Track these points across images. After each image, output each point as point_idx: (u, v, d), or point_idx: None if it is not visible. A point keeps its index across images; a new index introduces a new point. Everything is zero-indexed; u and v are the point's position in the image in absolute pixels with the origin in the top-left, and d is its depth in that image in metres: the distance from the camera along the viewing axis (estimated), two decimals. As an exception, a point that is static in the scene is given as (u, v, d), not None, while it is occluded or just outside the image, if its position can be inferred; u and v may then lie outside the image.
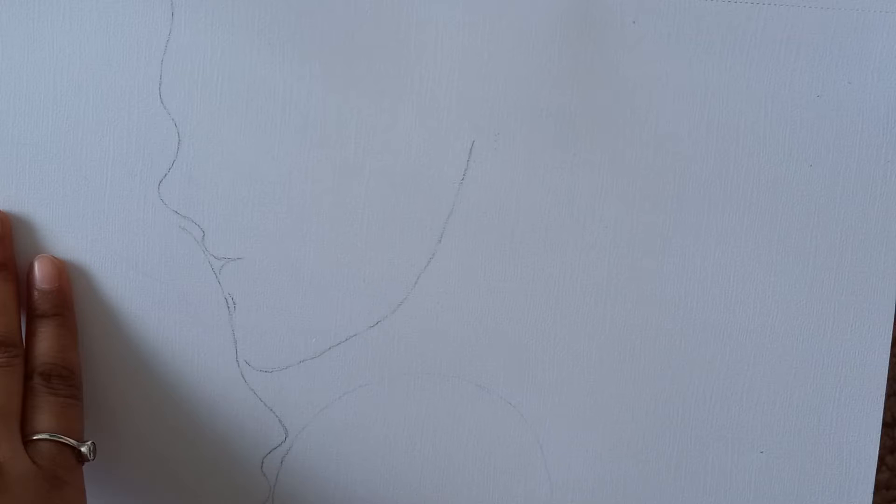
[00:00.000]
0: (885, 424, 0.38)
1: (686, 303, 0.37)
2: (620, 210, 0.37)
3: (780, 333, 0.37)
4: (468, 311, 0.37)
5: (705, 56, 0.36)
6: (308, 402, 0.38)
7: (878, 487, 0.38)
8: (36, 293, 0.36)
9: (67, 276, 0.37)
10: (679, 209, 0.37)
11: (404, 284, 0.37)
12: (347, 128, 0.37)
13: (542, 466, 0.38)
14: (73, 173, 0.37)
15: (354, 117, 0.37)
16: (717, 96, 0.36)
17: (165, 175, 0.37)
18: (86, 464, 0.35)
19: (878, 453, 0.37)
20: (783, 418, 0.38)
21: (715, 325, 0.37)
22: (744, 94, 0.36)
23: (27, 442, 0.34)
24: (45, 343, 0.35)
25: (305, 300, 0.37)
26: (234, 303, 0.37)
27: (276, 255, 0.37)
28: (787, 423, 0.38)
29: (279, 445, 0.38)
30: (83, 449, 0.35)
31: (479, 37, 0.36)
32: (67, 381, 0.35)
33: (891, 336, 0.37)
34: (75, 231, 0.37)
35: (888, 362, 0.37)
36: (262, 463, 0.38)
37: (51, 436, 0.34)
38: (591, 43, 0.36)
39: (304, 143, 0.37)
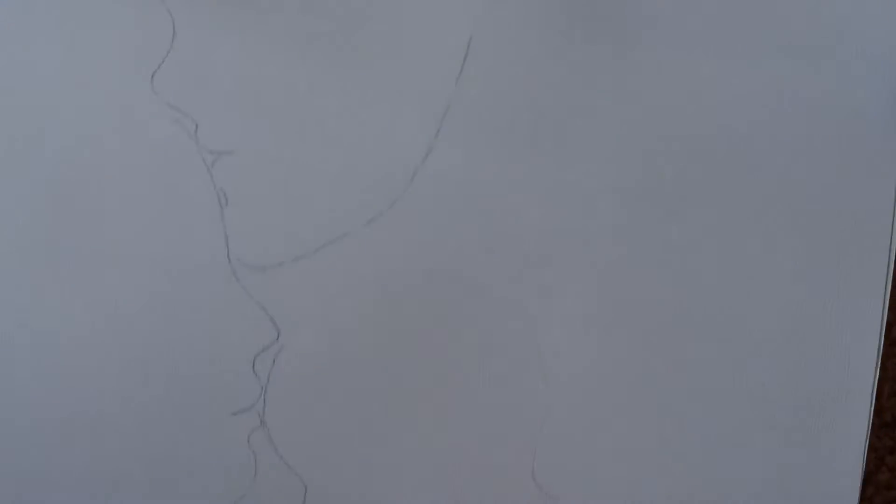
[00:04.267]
0: (885, 425, 0.38)
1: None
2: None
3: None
4: (466, 208, 0.37)
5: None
6: (301, 301, 0.37)
7: (879, 488, 0.38)
8: None
9: None
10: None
11: (400, 180, 0.37)
12: (345, 21, 0.36)
13: (539, 366, 0.38)
14: (67, 58, 0.36)
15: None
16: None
17: (159, 66, 0.37)
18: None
19: (865, 451, 0.37)
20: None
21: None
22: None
23: None
24: None
25: (299, 196, 0.37)
26: (227, 198, 0.37)
27: (271, 149, 0.37)
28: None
29: (271, 345, 0.37)
30: None
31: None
32: None
33: (882, 333, 0.37)
34: (65, 125, 0.37)
35: (877, 361, 0.37)
36: (254, 362, 0.37)
37: None
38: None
39: (301, 34, 0.36)
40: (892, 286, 0.37)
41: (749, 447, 0.37)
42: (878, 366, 0.37)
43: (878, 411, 0.38)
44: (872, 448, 0.38)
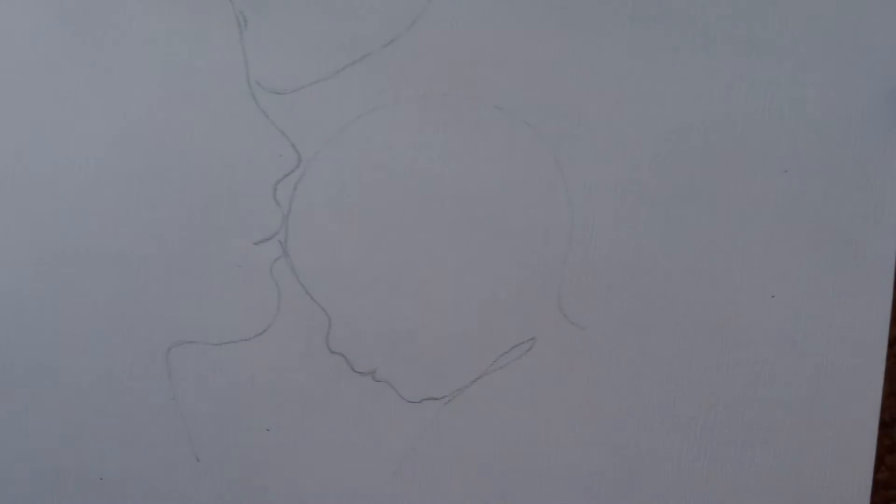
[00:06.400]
0: (884, 424, 0.38)
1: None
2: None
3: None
4: (485, 29, 0.36)
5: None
6: (321, 126, 0.37)
7: (878, 487, 0.38)
8: None
9: None
10: None
11: (419, 1, 0.37)
12: None
13: (562, 188, 0.37)
14: None
15: None
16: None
17: None
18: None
19: (875, 452, 0.37)
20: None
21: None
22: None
23: None
24: None
25: (319, 17, 0.37)
26: (246, 20, 0.37)
27: (289, -30, 0.36)
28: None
29: (292, 171, 0.37)
30: None
31: None
32: None
33: (887, 335, 0.37)
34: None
35: (885, 362, 0.37)
36: (275, 190, 0.37)
37: None
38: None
39: None
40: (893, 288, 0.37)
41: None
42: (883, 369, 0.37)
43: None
44: (871, 447, 0.38)
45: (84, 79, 0.36)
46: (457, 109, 0.37)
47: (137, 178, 0.37)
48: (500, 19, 0.37)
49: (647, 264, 0.37)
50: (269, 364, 0.37)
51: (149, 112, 0.37)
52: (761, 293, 0.37)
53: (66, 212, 0.36)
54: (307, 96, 0.37)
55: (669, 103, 0.37)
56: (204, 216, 0.37)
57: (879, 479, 0.38)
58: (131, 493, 0.38)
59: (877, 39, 0.36)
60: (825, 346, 0.37)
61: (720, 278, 0.37)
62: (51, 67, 0.36)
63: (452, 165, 0.37)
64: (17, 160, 0.36)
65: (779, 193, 0.37)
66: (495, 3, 0.36)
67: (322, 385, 0.37)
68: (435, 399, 0.37)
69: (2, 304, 0.37)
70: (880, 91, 0.36)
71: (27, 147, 0.36)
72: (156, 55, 0.36)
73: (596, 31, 0.36)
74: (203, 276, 0.37)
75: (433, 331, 0.37)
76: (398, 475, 0.38)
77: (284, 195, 0.37)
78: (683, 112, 0.37)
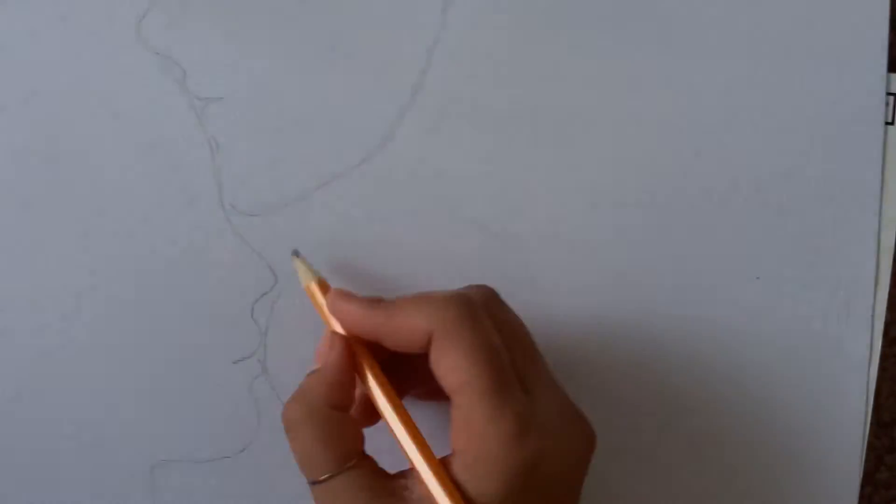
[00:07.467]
0: (884, 424, 0.38)
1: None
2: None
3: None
4: (457, 146, 0.37)
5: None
6: (297, 245, 0.37)
7: (878, 487, 0.39)
8: None
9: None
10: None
11: (389, 120, 0.37)
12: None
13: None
14: (49, 11, 0.36)
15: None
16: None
17: (145, 15, 0.36)
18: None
19: (863, 458, 0.38)
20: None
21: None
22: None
23: None
24: None
25: (290, 140, 0.37)
26: (218, 145, 0.37)
27: (259, 93, 0.37)
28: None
29: (269, 291, 0.37)
30: None
31: None
32: None
33: (881, 334, 0.38)
34: (50, 69, 0.36)
35: (885, 362, 0.38)
36: (252, 309, 0.37)
37: None
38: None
39: (285, -22, 0.36)
40: (893, 286, 0.38)
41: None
42: (876, 365, 0.38)
43: (877, 411, 0.38)
44: (871, 447, 0.38)
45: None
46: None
47: (118, 304, 0.37)
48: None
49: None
50: (251, 478, 0.38)
51: (124, 242, 0.37)
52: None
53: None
54: (282, 217, 0.37)
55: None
56: (181, 338, 0.37)
57: (879, 479, 0.38)
58: None
59: (876, 39, 0.36)
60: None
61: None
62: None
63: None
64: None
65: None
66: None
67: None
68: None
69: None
70: (880, 91, 0.37)
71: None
72: (129, 189, 0.37)
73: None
74: (181, 396, 0.37)
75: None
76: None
77: (262, 314, 0.37)
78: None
